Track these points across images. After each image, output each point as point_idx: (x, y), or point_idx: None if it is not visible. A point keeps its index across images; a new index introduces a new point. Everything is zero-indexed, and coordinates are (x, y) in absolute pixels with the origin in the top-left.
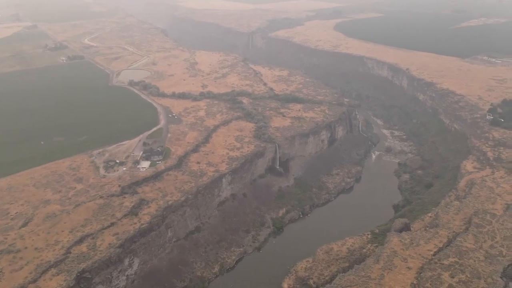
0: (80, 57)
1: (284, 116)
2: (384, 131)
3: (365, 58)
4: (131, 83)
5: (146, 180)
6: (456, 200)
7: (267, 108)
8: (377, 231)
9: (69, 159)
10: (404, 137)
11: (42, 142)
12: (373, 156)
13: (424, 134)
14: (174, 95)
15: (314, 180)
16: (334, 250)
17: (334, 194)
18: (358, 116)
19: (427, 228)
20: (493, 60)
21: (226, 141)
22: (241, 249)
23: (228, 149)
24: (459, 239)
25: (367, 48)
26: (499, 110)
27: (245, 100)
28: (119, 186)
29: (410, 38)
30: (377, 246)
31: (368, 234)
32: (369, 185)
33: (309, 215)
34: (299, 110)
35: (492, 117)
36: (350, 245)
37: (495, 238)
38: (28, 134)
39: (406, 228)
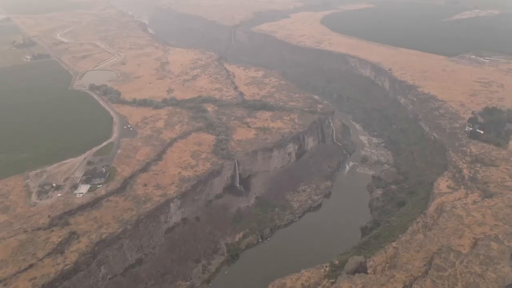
0: (46, 55)
1: (249, 126)
2: (362, 137)
3: (348, 56)
4: (92, 87)
5: (82, 208)
6: (423, 228)
7: (232, 117)
8: (336, 262)
9: (1, 182)
10: (382, 145)
11: None
12: (347, 168)
13: (403, 142)
14: (134, 102)
15: (277, 199)
16: (287, 287)
17: (298, 213)
18: (332, 124)
19: (385, 268)
20: (481, 59)
21: (180, 157)
22: (188, 282)
23: (181, 167)
24: (416, 287)
25: (351, 44)
26: (480, 119)
27: (210, 108)
28: (49, 216)
29: (397, 32)
30: (333, 283)
31: (326, 266)
32: (338, 202)
33: (268, 239)
34: (267, 119)
35: (471, 129)
36: (305, 280)
37: (456, 285)
38: None
39: (361, 268)
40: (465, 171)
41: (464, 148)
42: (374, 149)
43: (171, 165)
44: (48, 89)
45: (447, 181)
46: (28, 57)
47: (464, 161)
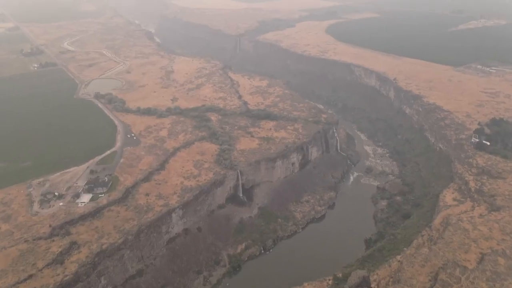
0: (53, 64)
1: (252, 136)
2: (367, 147)
3: (352, 66)
4: (97, 95)
5: (83, 218)
6: (428, 241)
7: (236, 127)
8: (340, 275)
9: (3, 191)
10: (387, 155)
11: None
12: (351, 178)
13: (408, 153)
14: (139, 111)
15: (281, 209)
16: None
17: (302, 224)
18: (336, 134)
19: (389, 283)
20: (487, 69)
21: (183, 167)
22: None
23: (183, 177)
24: None
25: (356, 54)
26: (487, 130)
27: (213, 117)
28: (50, 226)
29: (403, 42)
30: None
31: (329, 280)
32: (342, 213)
33: (271, 250)
34: (271, 128)
35: (477, 140)
36: None
37: None
38: None
39: (364, 282)
40: (472, 183)
41: (470, 160)
42: (379, 159)
43: (174, 175)
44: (53, 97)
45: (453, 193)
46: (36, 66)
47: (470, 173)
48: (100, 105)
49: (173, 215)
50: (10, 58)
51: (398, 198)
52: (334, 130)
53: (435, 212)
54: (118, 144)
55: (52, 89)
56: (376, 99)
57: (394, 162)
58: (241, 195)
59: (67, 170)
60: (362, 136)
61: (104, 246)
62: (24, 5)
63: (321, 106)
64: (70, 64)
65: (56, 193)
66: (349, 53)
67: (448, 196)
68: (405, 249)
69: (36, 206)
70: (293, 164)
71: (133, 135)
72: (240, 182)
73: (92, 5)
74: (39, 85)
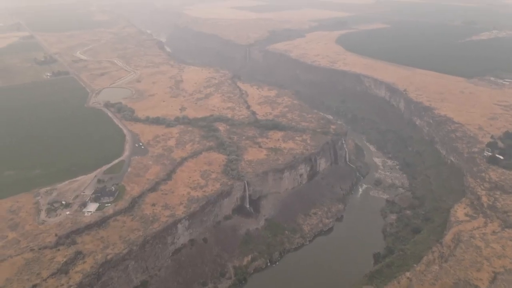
0: (65, 72)
1: (260, 147)
2: (376, 159)
3: (362, 76)
4: (107, 104)
5: (89, 227)
6: (439, 258)
7: (244, 137)
8: None
9: (12, 199)
10: (397, 167)
11: None
12: (360, 191)
13: (419, 165)
14: (147, 120)
15: (288, 221)
16: None
17: (309, 237)
18: (345, 145)
19: None
20: (501, 81)
21: (190, 177)
22: None
23: (190, 187)
24: None
25: (365, 64)
26: (500, 144)
27: (221, 127)
28: (56, 235)
29: (413, 53)
30: None
31: None
32: (350, 226)
33: (277, 263)
34: (279, 139)
35: (490, 154)
36: None
37: None
38: None
39: None
40: (484, 199)
41: (483, 174)
42: (388, 171)
43: (181, 185)
44: (64, 106)
45: (464, 208)
46: (48, 74)
47: (482, 187)
48: (109, 114)
49: (179, 226)
50: (24, 66)
51: (408, 212)
52: (343, 141)
53: (446, 227)
54: (126, 153)
55: (63, 98)
56: (386, 110)
57: (404, 175)
58: (248, 206)
59: (75, 179)
60: (372, 148)
61: (109, 257)
62: (39, 15)
63: (330, 117)
64: (82, 73)
65: (63, 202)
66: (359, 63)
67: (460, 211)
68: (414, 265)
69: (43, 215)
70: (301, 175)
71: (141, 144)
72: (247, 193)
73: (105, 15)
74: (51, 93)
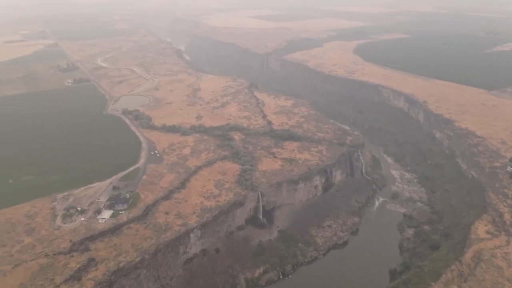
0: (86, 80)
1: (275, 157)
2: (394, 172)
3: (380, 87)
4: (125, 112)
5: (103, 234)
6: (458, 277)
7: (259, 147)
8: None
9: (29, 204)
10: (415, 180)
11: (10, 181)
12: (376, 204)
13: (438, 179)
14: (164, 128)
15: (301, 233)
16: None
17: (323, 250)
18: (361, 157)
19: None
20: None
21: (204, 186)
22: None
23: (204, 197)
24: None
25: (384, 75)
26: None
27: (237, 136)
28: (70, 241)
29: (433, 63)
30: None
31: None
32: (366, 240)
33: (290, 276)
34: (294, 150)
35: None
36: None
37: None
38: None
39: None
40: (507, 216)
41: (506, 190)
42: (406, 184)
43: (194, 194)
44: (84, 112)
45: (486, 225)
46: (70, 81)
47: (505, 204)
48: (127, 121)
49: (192, 235)
50: (48, 73)
51: (426, 227)
52: (360, 153)
53: (466, 245)
54: (142, 160)
55: (83, 105)
56: (404, 122)
57: (423, 188)
58: (261, 217)
59: (91, 185)
60: (389, 160)
61: (121, 264)
62: (64, 24)
63: (347, 128)
64: (102, 80)
65: (79, 208)
66: (377, 74)
67: (481, 228)
68: (432, 284)
69: (58, 221)
70: (316, 187)
71: (156, 152)
72: (260, 203)
73: (126, 24)
74: (72, 100)
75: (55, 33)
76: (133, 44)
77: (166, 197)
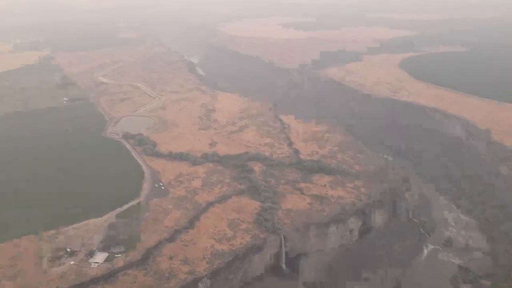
0: (84, 97)
1: (302, 193)
2: (447, 214)
3: (432, 110)
4: (126, 135)
5: (95, 281)
6: None
7: (283, 181)
8: None
9: (12, 243)
10: (474, 225)
11: None
12: (425, 252)
13: (503, 224)
14: (170, 155)
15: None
16: None
17: None
18: (407, 196)
19: None
20: None
21: (216, 226)
22: None
23: (215, 239)
24: None
25: (436, 95)
26: None
27: (257, 167)
28: None
29: (499, 83)
30: None
31: None
32: None
33: None
34: (325, 185)
35: None
36: None
37: None
38: None
39: None
40: None
41: None
42: (462, 230)
43: (204, 235)
44: (79, 136)
45: None
46: (65, 99)
47: None
48: (128, 146)
49: (200, 285)
50: (42, 88)
51: (486, 282)
52: (405, 190)
53: None
54: (144, 194)
55: (79, 126)
56: (461, 153)
57: (483, 235)
58: (283, 266)
59: (84, 222)
60: (442, 199)
61: None
62: (60, 32)
63: (390, 159)
64: (101, 97)
65: (69, 249)
66: (428, 94)
67: None
68: None
69: (45, 263)
70: (351, 231)
71: (161, 184)
72: (283, 249)
73: (132, 32)
74: (67, 120)
75: (52, 43)
76: (139, 55)
77: (171, 239)
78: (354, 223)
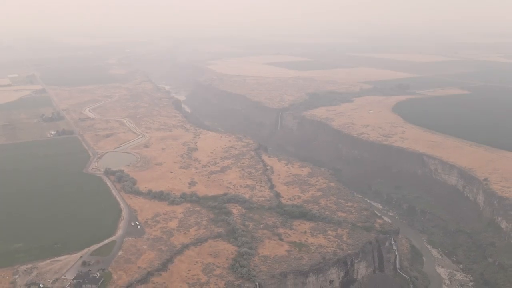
0: (70, 132)
1: (281, 239)
2: (440, 270)
3: (425, 156)
4: (107, 171)
5: None
6: None
7: (261, 225)
8: None
9: None
10: (471, 284)
11: None
12: None
13: (503, 284)
14: (149, 194)
15: None
16: None
17: None
18: (395, 248)
19: None
20: None
21: (190, 270)
22: None
23: (188, 283)
24: None
25: (431, 141)
26: None
27: (235, 210)
28: None
29: (500, 130)
30: None
31: None
32: None
33: None
34: (306, 232)
35: None
36: None
37: None
38: None
39: None
40: None
41: None
42: None
43: (176, 279)
44: (61, 171)
45: None
46: (52, 133)
47: None
48: (108, 182)
49: None
50: (30, 122)
51: None
52: (393, 242)
53: None
54: (119, 233)
55: (62, 161)
56: (457, 204)
57: None
58: None
59: (59, 258)
60: (434, 253)
61: None
62: (55, 68)
63: (379, 206)
64: (86, 133)
65: (41, 285)
66: (422, 139)
67: None
68: None
69: None
70: (331, 282)
71: (137, 223)
72: None
73: (122, 69)
74: (50, 155)
75: (44, 78)
76: (127, 92)
77: (143, 280)
78: (335, 274)
